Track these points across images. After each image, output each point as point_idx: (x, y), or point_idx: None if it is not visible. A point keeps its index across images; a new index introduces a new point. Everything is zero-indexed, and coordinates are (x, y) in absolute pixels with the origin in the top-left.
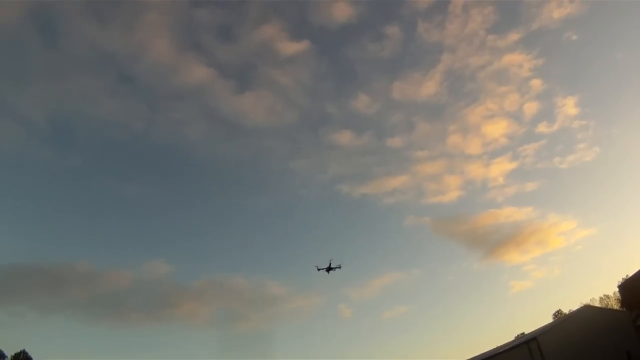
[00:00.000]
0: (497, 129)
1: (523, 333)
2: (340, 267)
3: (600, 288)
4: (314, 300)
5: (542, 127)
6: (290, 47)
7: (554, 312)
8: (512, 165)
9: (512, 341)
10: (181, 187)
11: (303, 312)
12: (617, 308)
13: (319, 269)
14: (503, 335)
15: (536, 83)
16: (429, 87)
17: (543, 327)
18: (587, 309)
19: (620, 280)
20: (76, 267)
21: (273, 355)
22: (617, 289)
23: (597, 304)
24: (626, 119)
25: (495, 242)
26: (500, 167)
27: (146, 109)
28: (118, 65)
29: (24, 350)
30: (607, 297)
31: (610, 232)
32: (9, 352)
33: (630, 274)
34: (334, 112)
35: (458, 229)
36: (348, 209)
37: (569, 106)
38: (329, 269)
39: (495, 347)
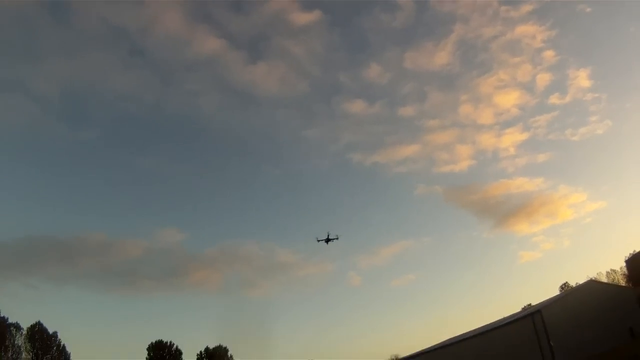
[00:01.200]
0: (509, 100)
1: (530, 304)
2: (337, 238)
3: (607, 262)
4: (324, 267)
5: (554, 99)
6: (302, 18)
7: (561, 284)
8: (524, 136)
9: (517, 313)
10: (194, 157)
11: (313, 279)
12: (623, 283)
13: (318, 240)
14: (510, 306)
15: (549, 54)
16: (441, 57)
17: (547, 300)
18: (592, 284)
19: (628, 255)
20: (90, 238)
21: (283, 321)
22: (624, 264)
23: (603, 278)
24: (639, 93)
25: (505, 212)
26: (512, 138)
27: (159, 82)
28: (129, 39)
29: (39, 322)
30: (614, 271)
31: (620, 206)
32: (25, 324)
33: (638, 249)
34: (346, 82)
35: (469, 199)
36: (359, 177)
37: (581, 78)
38: (327, 240)
39: (501, 317)
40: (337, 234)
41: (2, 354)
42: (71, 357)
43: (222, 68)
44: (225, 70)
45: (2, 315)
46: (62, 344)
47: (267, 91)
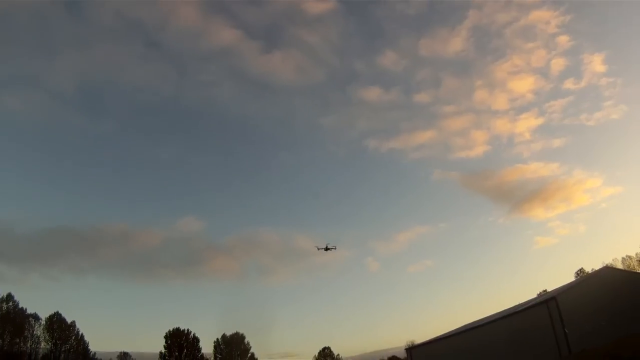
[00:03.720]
0: (524, 85)
1: (545, 290)
2: (335, 248)
3: (624, 247)
4: (342, 253)
5: (568, 84)
6: (317, 7)
7: (576, 270)
8: (539, 121)
9: (532, 299)
10: (211, 147)
11: (332, 265)
12: (639, 270)
13: (318, 249)
14: (527, 292)
15: (563, 39)
16: (456, 43)
17: (562, 286)
18: (607, 270)
19: None
20: (108, 229)
21: (301, 307)
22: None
23: (619, 264)
24: None
25: (521, 197)
26: (527, 123)
27: (175, 73)
28: (145, 32)
29: (57, 312)
30: (629, 257)
31: (636, 191)
32: (44, 315)
33: None
34: (362, 69)
35: (484, 184)
36: (376, 163)
37: (596, 63)
38: (326, 248)
39: (517, 303)
40: (335, 245)
41: (22, 344)
42: (89, 346)
43: (237, 58)
44: (240, 60)
45: (20, 307)
46: (80, 333)
47: (283, 80)
